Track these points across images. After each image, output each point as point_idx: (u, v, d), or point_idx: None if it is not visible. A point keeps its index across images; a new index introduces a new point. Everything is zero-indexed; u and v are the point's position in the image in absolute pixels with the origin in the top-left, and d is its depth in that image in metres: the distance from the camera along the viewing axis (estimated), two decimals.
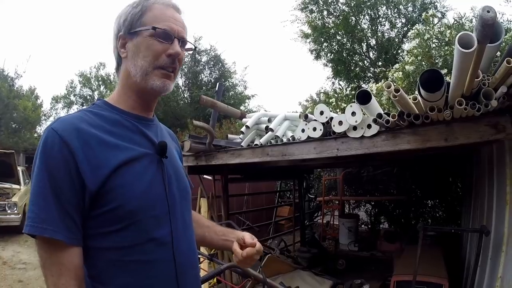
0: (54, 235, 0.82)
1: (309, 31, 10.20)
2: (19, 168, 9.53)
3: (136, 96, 1.02)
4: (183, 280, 0.97)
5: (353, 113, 2.33)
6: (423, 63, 4.26)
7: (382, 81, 5.25)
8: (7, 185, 8.69)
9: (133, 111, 1.01)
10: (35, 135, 17.37)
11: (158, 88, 0.98)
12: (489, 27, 1.17)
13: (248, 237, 1.12)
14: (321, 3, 9.80)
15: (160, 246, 0.93)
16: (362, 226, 8.42)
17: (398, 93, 1.77)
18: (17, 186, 8.81)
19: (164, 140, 1.03)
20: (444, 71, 3.54)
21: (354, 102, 2.32)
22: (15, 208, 7.73)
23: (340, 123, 2.42)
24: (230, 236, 1.19)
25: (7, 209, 7.62)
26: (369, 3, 9.35)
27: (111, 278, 0.88)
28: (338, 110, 5.28)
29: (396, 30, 9.77)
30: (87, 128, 0.90)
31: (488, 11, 1.12)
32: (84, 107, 1.02)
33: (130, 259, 0.89)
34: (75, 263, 0.85)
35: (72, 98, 22.95)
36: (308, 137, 2.68)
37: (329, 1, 9.81)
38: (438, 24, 4.81)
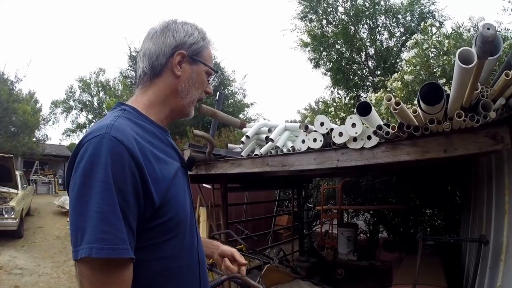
0: (130, 254, 0.79)
1: (309, 40, 10.25)
2: (17, 173, 9.51)
3: (169, 112, 1.08)
4: (203, 277, 1.07)
5: (353, 125, 2.34)
6: (421, 72, 4.28)
7: (381, 90, 5.27)
8: (4, 189, 8.67)
9: (159, 122, 1.05)
10: (34, 139, 17.37)
11: (190, 116, 1.12)
12: (489, 43, 1.18)
13: (237, 254, 1.28)
14: (321, 12, 9.87)
15: (192, 252, 1.01)
16: (361, 235, 8.40)
17: (399, 106, 1.78)
18: (14, 191, 8.78)
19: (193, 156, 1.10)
20: (442, 81, 3.57)
21: (354, 113, 2.33)
22: (13, 213, 7.68)
23: (340, 134, 2.43)
24: (208, 244, 1.32)
25: (4, 213, 7.58)
26: (368, 13, 9.42)
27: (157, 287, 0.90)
28: (337, 119, 5.30)
29: (394, 40, 9.82)
30: (139, 139, 0.89)
31: (488, 28, 1.13)
32: (116, 112, 0.96)
33: (175, 266, 0.94)
34: (132, 278, 0.83)
35: (72, 103, 23.08)
36: (309, 148, 2.69)
37: (328, 10, 9.88)
38: (436, 34, 4.84)
